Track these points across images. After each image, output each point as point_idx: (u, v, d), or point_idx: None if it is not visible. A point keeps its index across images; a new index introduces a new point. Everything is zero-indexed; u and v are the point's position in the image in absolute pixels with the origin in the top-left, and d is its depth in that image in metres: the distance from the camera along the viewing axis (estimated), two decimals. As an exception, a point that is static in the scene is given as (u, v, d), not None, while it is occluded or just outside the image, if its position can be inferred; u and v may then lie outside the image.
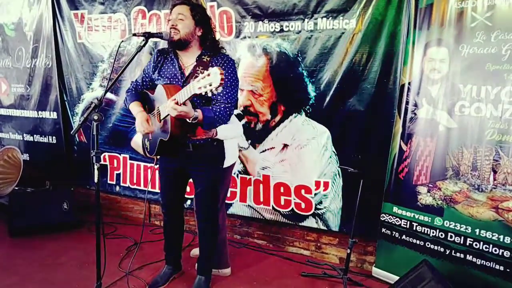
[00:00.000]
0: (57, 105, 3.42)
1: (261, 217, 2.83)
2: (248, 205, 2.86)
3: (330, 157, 2.54)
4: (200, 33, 1.96)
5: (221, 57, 1.97)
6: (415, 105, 2.23)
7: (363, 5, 2.30)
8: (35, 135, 3.63)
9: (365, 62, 2.36)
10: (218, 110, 1.87)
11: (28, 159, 3.62)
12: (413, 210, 2.26)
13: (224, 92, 1.89)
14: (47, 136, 3.55)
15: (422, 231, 2.23)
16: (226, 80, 1.90)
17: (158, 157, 2.18)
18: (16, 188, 3.24)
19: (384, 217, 2.37)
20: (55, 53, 3.35)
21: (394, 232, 2.34)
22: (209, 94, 1.59)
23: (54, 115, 3.46)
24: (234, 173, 2.86)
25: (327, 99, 2.49)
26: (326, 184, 2.58)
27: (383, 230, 2.38)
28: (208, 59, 1.95)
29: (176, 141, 1.92)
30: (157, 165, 2.22)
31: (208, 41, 1.98)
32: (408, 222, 2.28)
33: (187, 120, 1.78)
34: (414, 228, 2.26)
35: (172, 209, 2.25)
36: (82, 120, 1.73)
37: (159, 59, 2.05)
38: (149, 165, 3.16)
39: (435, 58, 2.13)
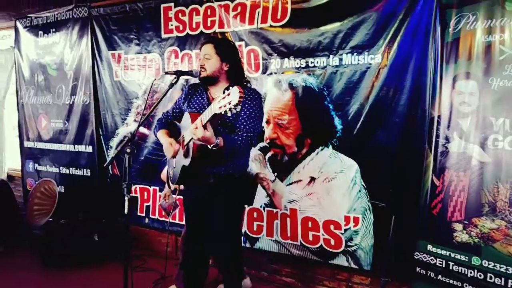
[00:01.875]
0: (93, 139, 3.72)
1: (289, 253, 2.87)
2: (275, 240, 2.91)
3: (360, 191, 2.58)
4: (227, 67, 2.15)
5: (247, 90, 2.13)
6: (446, 138, 2.27)
7: (388, 41, 2.42)
8: (70, 168, 3.93)
9: (392, 96, 2.44)
10: (240, 138, 2.01)
11: (63, 191, 3.89)
12: (448, 249, 2.24)
13: (248, 122, 2.04)
14: (82, 169, 3.83)
15: (459, 271, 2.19)
16: (251, 110, 2.06)
17: (181, 187, 2.31)
18: (50, 219, 3.49)
19: (418, 255, 2.35)
20: (93, 90, 3.68)
21: (429, 272, 2.31)
22: (229, 114, 1.70)
23: (89, 148, 3.75)
24: (261, 206, 2.96)
25: (355, 132, 2.57)
26: (356, 220, 2.60)
27: (418, 269, 2.35)
28: None
29: (197, 168, 2.04)
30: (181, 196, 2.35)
31: (235, 74, 2.17)
32: (444, 261, 2.25)
33: (209, 146, 1.90)
34: (451, 268, 2.23)
35: (196, 242, 2.32)
36: (116, 153, 1.92)
37: (189, 92, 2.25)
38: (177, 196, 3.32)
39: (464, 91, 2.19)
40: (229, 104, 1.67)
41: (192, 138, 1.93)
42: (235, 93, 1.65)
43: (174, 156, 2.16)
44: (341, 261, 2.67)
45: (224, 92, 2.08)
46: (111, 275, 3.01)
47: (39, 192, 3.81)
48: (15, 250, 3.64)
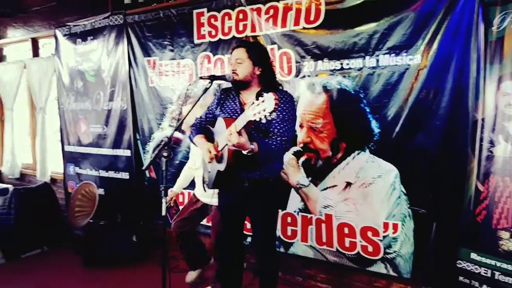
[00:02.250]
0: (130, 143, 3.86)
1: (324, 259, 2.86)
2: (310, 246, 2.91)
3: (399, 197, 2.53)
4: (259, 71, 2.15)
5: (280, 93, 2.13)
6: (491, 142, 2.18)
7: (428, 41, 2.36)
8: (109, 171, 4.10)
9: (433, 98, 2.38)
10: (275, 143, 2.01)
11: (103, 193, 4.06)
12: (494, 257, 2.16)
13: (281, 126, 2.04)
14: (120, 172, 3.98)
15: (506, 281, 2.10)
16: (284, 113, 2.05)
17: (216, 191, 2.34)
18: (91, 220, 3.66)
19: (461, 264, 2.28)
20: (130, 96, 3.82)
21: (473, 281, 2.23)
22: (263, 121, 1.70)
23: (127, 152, 3.88)
24: (294, 211, 2.97)
25: (393, 135, 2.52)
26: (395, 226, 2.55)
27: (461, 278, 2.28)
28: None
29: (232, 173, 2.06)
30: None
31: (267, 78, 2.16)
32: (489, 270, 2.17)
33: (243, 152, 1.90)
34: (496, 277, 2.14)
35: (231, 246, 2.35)
36: (153, 156, 1.97)
37: (222, 96, 2.28)
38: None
39: (511, 92, 2.09)
40: (264, 111, 1.67)
41: (226, 144, 1.95)
42: (270, 100, 1.65)
43: (210, 161, 2.18)
44: (379, 268, 2.63)
45: (257, 97, 2.10)
46: (148, 275, 3.13)
47: (80, 195, 4.00)
48: (58, 250, 3.85)
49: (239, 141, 1.83)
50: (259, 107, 1.69)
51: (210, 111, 2.33)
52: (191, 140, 2.38)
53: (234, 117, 2.11)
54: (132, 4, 3.73)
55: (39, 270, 3.42)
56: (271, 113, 1.65)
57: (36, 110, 4.86)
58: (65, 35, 4.31)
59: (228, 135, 1.85)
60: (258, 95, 2.11)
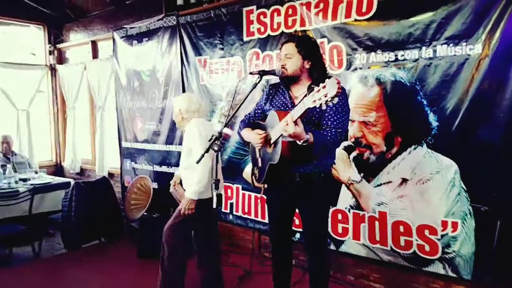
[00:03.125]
0: (182, 140, 4.02)
1: (378, 258, 2.81)
2: (363, 244, 2.87)
3: (459, 194, 2.42)
4: (309, 65, 2.14)
5: None
6: None
7: (489, 29, 2.25)
8: (162, 166, 4.32)
9: (496, 89, 2.26)
10: (330, 134, 1.99)
11: (156, 187, 4.27)
12: None
13: (335, 118, 2.01)
14: (173, 167, 4.17)
15: None
16: (337, 106, 2.01)
17: (266, 186, 2.32)
18: (145, 213, 3.86)
19: (530, 267, 2.14)
20: (182, 94, 4.00)
21: (544, 286, 2.09)
22: (324, 107, 1.68)
23: (179, 148, 4.07)
24: (346, 208, 2.94)
25: (453, 129, 2.43)
26: (454, 225, 2.45)
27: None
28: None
29: (285, 167, 2.04)
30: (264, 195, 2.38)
31: (317, 71, 2.14)
32: None
33: (298, 142, 1.89)
34: None
35: (279, 242, 2.35)
36: (205, 150, 2.03)
37: (271, 91, 2.29)
38: (258, 195, 3.45)
39: None
40: (325, 96, 1.65)
41: (280, 135, 1.95)
42: (332, 84, 1.63)
43: (263, 145, 2.15)
44: (437, 268, 2.53)
45: (309, 90, 2.11)
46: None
47: (135, 188, 4.24)
48: (115, 242, 4.11)
49: (296, 131, 1.82)
50: (319, 93, 1.68)
51: (259, 107, 2.37)
52: (239, 134, 2.41)
53: (286, 110, 2.11)
54: (184, 5, 3.91)
55: (97, 260, 3.66)
56: (333, 98, 1.64)
57: (96, 108, 5.25)
58: (122, 37, 4.61)
59: (284, 125, 1.85)
60: (309, 88, 2.13)
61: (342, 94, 2.09)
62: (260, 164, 2.25)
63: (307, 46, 2.17)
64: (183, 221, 2.63)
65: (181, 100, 2.75)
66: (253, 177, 2.36)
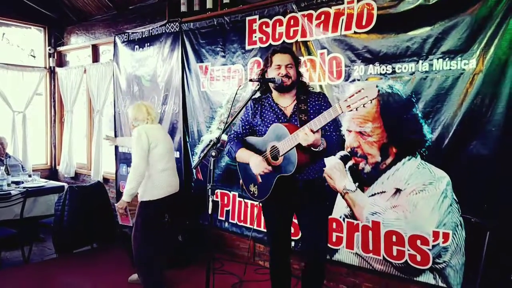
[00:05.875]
0: (180, 145, 4.20)
1: (370, 267, 2.93)
2: (356, 253, 3.00)
3: (451, 205, 2.57)
4: (299, 77, 2.34)
5: (316, 94, 2.32)
6: (553, 150, 2.18)
7: (484, 45, 2.42)
8: (159, 172, 4.44)
9: (489, 104, 2.42)
10: (335, 138, 2.21)
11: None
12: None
13: (332, 122, 2.11)
14: (169, 173, 4.29)
15: None
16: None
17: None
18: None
19: (518, 278, 2.27)
20: (182, 100, 4.16)
21: (532, 298, 2.21)
22: (359, 110, 1.84)
23: (177, 154, 4.20)
24: (340, 217, 3.07)
25: (446, 141, 2.58)
26: (446, 236, 2.58)
27: (518, 294, 2.26)
28: (305, 97, 2.27)
29: (291, 175, 2.11)
30: (260, 204, 2.40)
31: (301, 82, 2.34)
32: (550, 286, 2.14)
33: (313, 148, 2.04)
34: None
35: (280, 251, 2.40)
36: (203, 155, 2.12)
37: (256, 106, 2.38)
38: (255, 203, 3.58)
39: None
40: (362, 99, 1.80)
41: (293, 147, 2.05)
42: (372, 88, 1.78)
43: (264, 173, 2.18)
44: (428, 278, 2.66)
45: (297, 100, 2.24)
46: (193, 276, 3.37)
47: (130, 194, 4.34)
48: (108, 247, 4.18)
49: (316, 137, 1.96)
50: (356, 96, 1.82)
51: (246, 123, 2.40)
52: (232, 157, 2.37)
53: (278, 121, 2.23)
54: (188, 12, 4.10)
55: (89, 265, 3.74)
56: (372, 100, 1.79)
57: (94, 112, 5.40)
58: (123, 41, 4.79)
59: (303, 135, 1.97)
60: (297, 98, 2.28)
61: (325, 99, 2.30)
62: (260, 180, 2.26)
63: (297, 58, 2.36)
64: (143, 225, 3.02)
65: (131, 109, 3.13)
66: (249, 193, 2.39)
